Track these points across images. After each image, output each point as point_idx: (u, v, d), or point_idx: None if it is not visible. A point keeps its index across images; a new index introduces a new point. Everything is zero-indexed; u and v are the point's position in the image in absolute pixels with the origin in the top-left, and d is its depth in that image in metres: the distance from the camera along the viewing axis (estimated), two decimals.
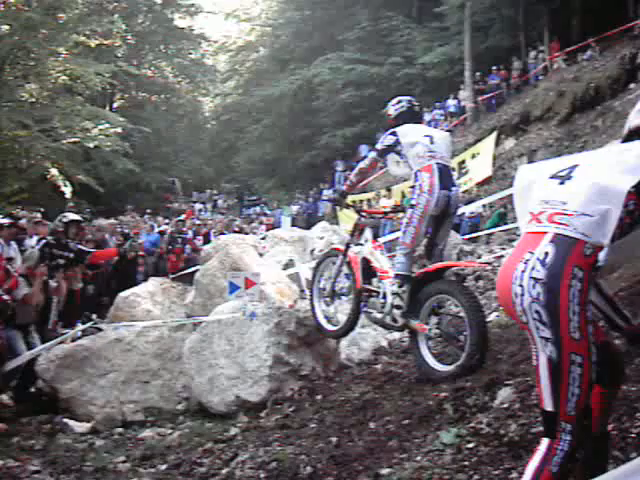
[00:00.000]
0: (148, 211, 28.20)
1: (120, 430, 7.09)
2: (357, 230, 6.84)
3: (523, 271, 2.68)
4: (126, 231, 17.00)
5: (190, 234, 18.25)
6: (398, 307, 6.18)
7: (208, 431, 6.49)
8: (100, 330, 8.68)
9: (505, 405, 4.51)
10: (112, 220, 19.52)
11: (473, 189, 22.42)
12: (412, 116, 6.65)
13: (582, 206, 2.66)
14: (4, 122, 21.74)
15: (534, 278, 2.63)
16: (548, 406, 2.67)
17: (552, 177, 2.89)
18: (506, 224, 16.66)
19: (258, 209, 37.38)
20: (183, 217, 19.87)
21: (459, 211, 7.95)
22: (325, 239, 15.97)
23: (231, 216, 29.88)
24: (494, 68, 28.89)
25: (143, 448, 6.22)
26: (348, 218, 25.08)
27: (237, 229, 20.02)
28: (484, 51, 30.11)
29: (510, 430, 4.08)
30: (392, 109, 6.79)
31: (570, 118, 22.11)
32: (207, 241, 16.90)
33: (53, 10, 23.56)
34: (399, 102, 6.80)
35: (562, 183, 2.82)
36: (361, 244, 6.73)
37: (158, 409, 7.54)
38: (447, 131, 28.51)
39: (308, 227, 19.67)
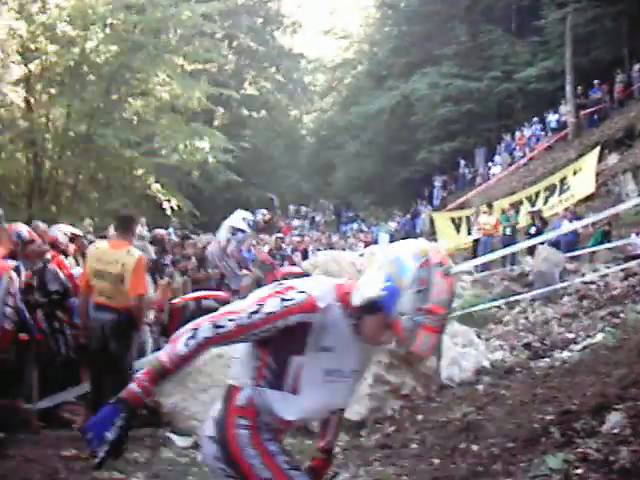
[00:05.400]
0: None
1: None
2: None
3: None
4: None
5: (289, 250, 18.41)
6: None
7: (309, 448, 6.49)
8: None
9: (615, 430, 4.37)
10: (209, 235, 19.68)
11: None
12: None
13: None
14: (110, 139, 22.41)
15: (209, 437, 2.66)
16: None
17: None
18: (610, 242, 16.22)
19: (356, 226, 37.29)
20: (282, 234, 20.08)
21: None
22: None
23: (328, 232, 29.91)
24: (596, 82, 28.13)
25: None
26: (446, 234, 24.88)
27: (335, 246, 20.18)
28: (586, 64, 29.35)
29: (621, 457, 3.96)
30: None
31: None
32: (305, 257, 16.95)
33: (157, 32, 24.25)
34: None
35: None
36: None
37: None
38: (548, 147, 28.23)
39: None
